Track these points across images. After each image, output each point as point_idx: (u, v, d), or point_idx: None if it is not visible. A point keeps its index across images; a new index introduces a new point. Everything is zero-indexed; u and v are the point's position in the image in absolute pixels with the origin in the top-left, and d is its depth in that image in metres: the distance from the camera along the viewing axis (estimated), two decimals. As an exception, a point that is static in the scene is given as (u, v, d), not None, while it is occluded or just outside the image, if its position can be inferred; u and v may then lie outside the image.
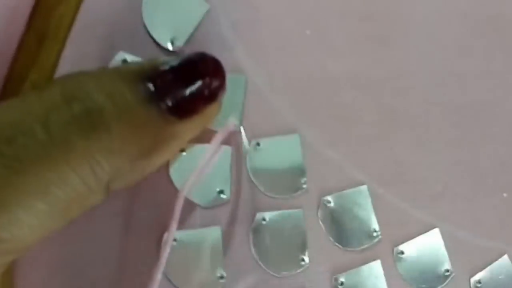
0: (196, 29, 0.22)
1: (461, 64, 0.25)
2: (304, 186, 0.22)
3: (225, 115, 0.22)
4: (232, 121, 0.21)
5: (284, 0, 0.23)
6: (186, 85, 0.18)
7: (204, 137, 0.21)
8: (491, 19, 0.25)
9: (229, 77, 0.21)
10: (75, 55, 0.21)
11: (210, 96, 0.18)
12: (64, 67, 0.21)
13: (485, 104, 0.25)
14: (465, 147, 0.24)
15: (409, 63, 0.24)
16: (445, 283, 0.23)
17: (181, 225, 0.21)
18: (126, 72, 0.18)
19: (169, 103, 0.17)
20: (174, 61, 0.18)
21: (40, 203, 0.16)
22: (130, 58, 0.22)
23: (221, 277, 0.21)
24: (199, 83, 0.18)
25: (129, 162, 0.17)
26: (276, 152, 0.22)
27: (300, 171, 0.23)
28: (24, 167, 0.16)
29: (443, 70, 0.25)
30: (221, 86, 0.19)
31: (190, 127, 0.19)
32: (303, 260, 0.22)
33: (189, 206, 0.21)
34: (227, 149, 0.22)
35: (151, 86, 0.17)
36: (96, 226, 0.21)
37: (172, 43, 0.22)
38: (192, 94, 0.18)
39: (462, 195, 0.24)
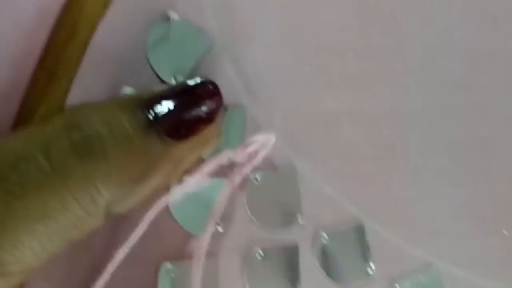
0: (198, 64, 0.23)
1: (460, 100, 0.25)
2: (300, 221, 0.23)
3: (224, 147, 0.22)
4: (226, 153, 0.22)
5: (284, 38, 0.24)
6: (184, 109, 0.19)
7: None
8: (491, 54, 0.25)
9: (229, 111, 0.22)
10: (82, 91, 0.22)
11: (207, 118, 0.19)
12: (72, 102, 0.22)
13: (485, 140, 0.25)
14: (465, 184, 0.24)
15: (408, 99, 0.25)
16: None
17: (178, 255, 0.22)
18: (125, 101, 0.19)
19: (167, 128, 0.18)
20: (172, 87, 0.19)
21: (41, 226, 0.17)
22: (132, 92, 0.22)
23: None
24: (196, 106, 0.19)
25: (127, 187, 0.18)
26: (273, 186, 0.23)
27: (296, 206, 0.23)
28: (25, 192, 0.17)
29: (443, 106, 0.25)
30: (218, 107, 0.19)
31: (188, 150, 0.19)
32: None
33: (186, 237, 0.22)
34: (223, 182, 0.22)
35: (149, 113, 0.18)
36: (95, 255, 0.22)
37: (175, 78, 0.23)
38: (190, 117, 0.19)
39: (461, 233, 0.24)
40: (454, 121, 0.25)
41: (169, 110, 0.18)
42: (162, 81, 0.23)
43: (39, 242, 0.17)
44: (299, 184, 0.23)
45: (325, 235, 0.23)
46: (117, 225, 0.22)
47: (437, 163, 0.24)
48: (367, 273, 0.23)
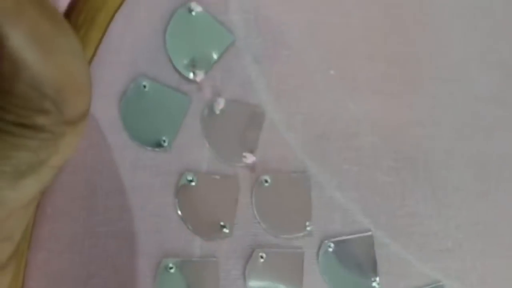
0: (219, 60, 0.22)
1: (492, 115, 0.24)
2: (308, 228, 0.22)
3: (239, 149, 0.22)
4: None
5: (311, 39, 0.23)
6: None
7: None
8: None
9: (247, 110, 0.22)
10: (99, 77, 0.22)
11: None
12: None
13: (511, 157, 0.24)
14: (484, 203, 0.24)
15: (434, 110, 0.24)
16: None
17: (181, 254, 0.22)
18: None
19: None
20: None
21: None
22: (149, 83, 0.22)
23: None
24: None
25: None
26: (283, 190, 0.23)
27: (305, 213, 0.23)
28: None
29: (471, 120, 0.24)
30: None
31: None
32: (297, 303, 0.22)
33: (190, 236, 0.22)
34: (234, 183, 0.22)
35: None
36: (99, 245, 0.22)
37: (194, 73, 0.22)
38: None
39: (472, 253, 0.23)
40: (482, 137, 0.24)
41: None
42: (179, 72, 0.22)
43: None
44: (311, 190, 0.23)
45: (332, 244, 0.23)
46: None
47: (459, 179, 0.24)
48: (372, 287, 0.23)
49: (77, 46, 0.17)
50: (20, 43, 0.16)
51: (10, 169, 0.17)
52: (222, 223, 0.22)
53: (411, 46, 0.23)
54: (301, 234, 0.23)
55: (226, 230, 0.22)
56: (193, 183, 0.22)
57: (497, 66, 0.24)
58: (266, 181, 0.22)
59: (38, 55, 0.16)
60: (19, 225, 0.19)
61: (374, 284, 0.23)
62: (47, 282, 0.22)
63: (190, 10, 0.22)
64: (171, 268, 0.22)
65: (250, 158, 0.22)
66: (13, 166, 0.17)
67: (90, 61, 0.22)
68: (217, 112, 0.22)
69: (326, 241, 0.23)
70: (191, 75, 0.22)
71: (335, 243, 0.23)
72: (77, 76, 0.17)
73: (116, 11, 0.22)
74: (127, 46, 0.22)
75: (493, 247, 0.24)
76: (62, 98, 0.16)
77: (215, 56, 0.22)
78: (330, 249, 0.23)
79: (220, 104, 0.22)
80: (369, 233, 0.23)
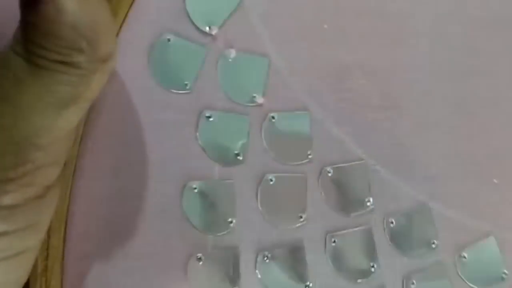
0: (230, 16, 0.27)
1: (466, 63, 0.28)
2: (310, 156, 0.26)
3: (249, 91, 0.26)
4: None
5: (307, -2, 0.27)
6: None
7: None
8: (498, 21, 0.28)
9: (255, 59, 0.26)
10: (131, 34, 0.26)
11: None
12: (120, 44, 0.26)
13: (485, 100, 0.28)
14: (462, 136, 0.27)
15: (416, 59, 0.27)
16: (432, 253, 0.26)
17: (202, 178, 0.26)
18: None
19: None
20: None
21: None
22: (173, 37, 0.26)
23: (231, 222, 0.26)
24: None
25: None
26: (288, 125, 0.27)
27: (307, 143, 0.26)
28: None
29: (449, 67, 0.28)
30: None
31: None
32: (301, 217, 0.26)
33: (210, 163, 0.26)
34: (245, 119, 0.26)
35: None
36: (134, 173, 0.26)
37: (209, 28, 0.26)
38: None
39: (454, 179, 0.27)
40: (458, 81, 0.28)
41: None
42: (197, 28, 0.26)
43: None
44: (312, 126, 0.27)
45: (331, 170, 0.26)
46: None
47: (438, 116, 0.27)
48: (366, 206, 0.26)
49: None
50: None
51: (55, 101, 0.20)
52: (236, 152, 0.26)
53: (394, 3, 0.27)
54: (304, 161, 0.26)
55: (240, 158, 0.26)
56: (211, 119, 0.26)
57: (469, 20, 0.28)
58: (273, 118, 0.26)
59: (75, 2, 0.19)
60: (63, 151, 0.22)
61: (368, 203, 0.26)
62: (87, 206, 0.26)
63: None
64: (194, 188, 0.26)
65: (259, 99, 0.26)
66: (56, 99, 0.20)
67: (124, 20, 0.26)
68: (230, 60, 0.26)
69: (325, 168, 0.26)
70: (207, 30, 0.26)
71: (334, 169, 0.26)
72: (105, 19, 0.20)
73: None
74: (153, 7, 0.26)
75: (472, 174, 0.27)
76: (95, 38, 0.20)
77: (227, 14, 0.27)
78: (329, 174, 0.26)
79: (232, 53, 0.26)
80: (363, 161, 0.27)
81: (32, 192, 0.20)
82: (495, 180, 0.27)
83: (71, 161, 0.26)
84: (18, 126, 0.20)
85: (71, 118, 0.21)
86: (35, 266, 0.25)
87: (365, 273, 0.26)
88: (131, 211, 0.26)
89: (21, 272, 0.22)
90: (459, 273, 0.27)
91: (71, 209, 0.26)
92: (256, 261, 0.26)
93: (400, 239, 0.26)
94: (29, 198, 0.20)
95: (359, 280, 0.26)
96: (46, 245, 0.25)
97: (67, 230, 0.26)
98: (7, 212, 0.20)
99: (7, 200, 0.20)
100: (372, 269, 0.26)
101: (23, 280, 0.22)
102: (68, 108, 0.20)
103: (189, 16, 0.27)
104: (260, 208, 0.26)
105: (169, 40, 0.26)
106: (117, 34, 0.26)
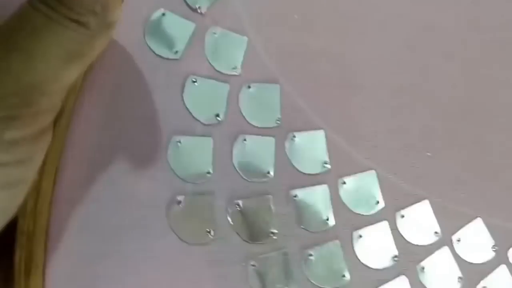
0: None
1: (425, 41, 0.33)
2: (278, 122, 0.31)
3: (230, 63, 0.31)
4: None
5: (282, -11, 0.32)
6: None
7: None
8: (427, 29, 0.34)
9: (236, 37, 0.30)
10: (130, 9, 0.30)
11: None
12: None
13: (415, 86, 0.33)
14: (400, 115, 0.33)
15: (371, 49, 0.33)
16: (375, 210, 0.31)
17: (186, 134, 0.30)
18: None
19: None
20: None
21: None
22: (166, 13, 0.30)
23: (208, 172, 0.30)
24: None
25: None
26: (261, 94, 0.31)
27: (276, 110, 0.31)
28: None
29: (396, 58, 0.33)
30: None
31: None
32: (268, 173, 0.30)
33: (193, 121, 0.30)
34: (225, 86, 0.31)
35: None
36: (126, 126, 0.30)
37: (199, 7, 0.31)
38: None
39: (394, 150, 0.32)
40: (401, 70, 0.33)
41: None
42: (188, 6, 0.31)
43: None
44: (281, 96, 0.31)
45: (295, 136, 0.31)
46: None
47: (384, 96, 0.33)
48: (324, 167, 0.31)
49: None
50: None
51: (63, 54, 0.23)
52: (216, 113, 0.30)
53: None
54: (273, 126, 0.31)
55: (219, 118, 0.30)
56: (196, 84, 0.30)
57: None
58: (249, 87, 0.31)
59: None
60: (60, 100, 0.25)
61: (324, 165, 0.31)
62: (79, 154, 0.29)
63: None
64: (178, 142, 0.30)
65: (238, 70, 0.31)
66: (64, 52, 0.23)
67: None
68: (215, 36, 0.31)
69: (290, 133, 0.31)
70: (197, 8, 0.31)
71: (298, 135, 0.31)
72: None
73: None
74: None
75: (409, 148, 0.32)
76: (109, 5, 0.24)
77: (213, -7, 0.31)
78: (294, 139, 0.31)
79: (217, 30, 0.31)
80: (321, 130, 0.31)
81: (30, 131, 0.23)
82: (428, 154, 0.32)
83: (68, 112, 0.29)
84: (27, 71, 0.22)
85: (74, 72, 0.24)
86: (24, 206, 0.28)
87: (322, 225, 0.31)
88: (120, 160, 0.29)
89: (11, 203, 0.24)
90: (398, 229, 0.32)
91: (64, 156, 0.29)
92: (227, 208, 0.30)
93: (351, 197, 0.31)
94: (27, 137, 0.23)
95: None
96: (38, 187, 0.28)
97: (58, 175, 0.29)
98: (7, 145, 0.22)
99: (9, 135, 0.22)
100: (327, 222, 0.31)
101: (10, 213, 0.24)
102: (72, 62, 0.23)
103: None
104: (234, 163, 0.30)
105: (163, 14, 0.31)
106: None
